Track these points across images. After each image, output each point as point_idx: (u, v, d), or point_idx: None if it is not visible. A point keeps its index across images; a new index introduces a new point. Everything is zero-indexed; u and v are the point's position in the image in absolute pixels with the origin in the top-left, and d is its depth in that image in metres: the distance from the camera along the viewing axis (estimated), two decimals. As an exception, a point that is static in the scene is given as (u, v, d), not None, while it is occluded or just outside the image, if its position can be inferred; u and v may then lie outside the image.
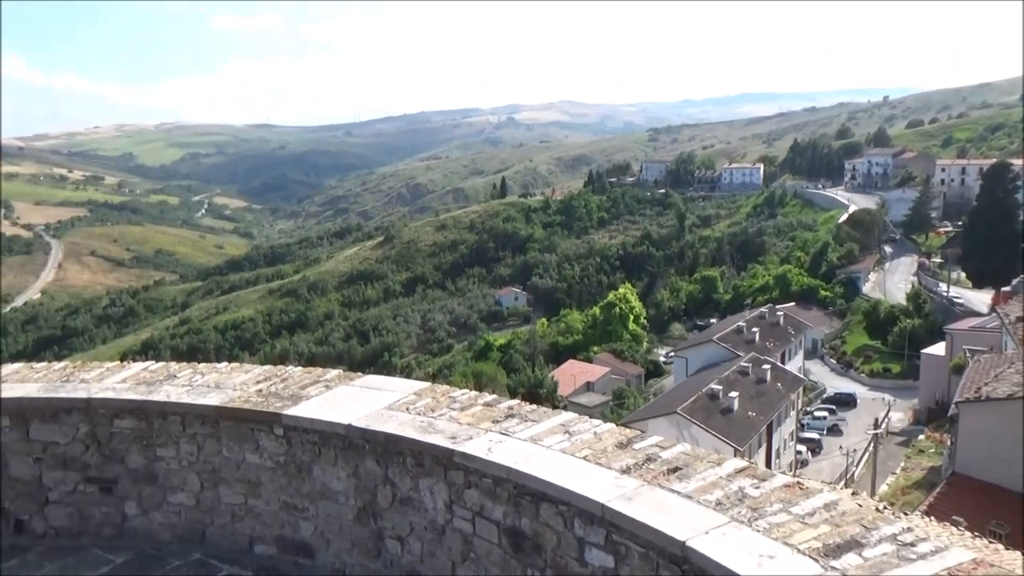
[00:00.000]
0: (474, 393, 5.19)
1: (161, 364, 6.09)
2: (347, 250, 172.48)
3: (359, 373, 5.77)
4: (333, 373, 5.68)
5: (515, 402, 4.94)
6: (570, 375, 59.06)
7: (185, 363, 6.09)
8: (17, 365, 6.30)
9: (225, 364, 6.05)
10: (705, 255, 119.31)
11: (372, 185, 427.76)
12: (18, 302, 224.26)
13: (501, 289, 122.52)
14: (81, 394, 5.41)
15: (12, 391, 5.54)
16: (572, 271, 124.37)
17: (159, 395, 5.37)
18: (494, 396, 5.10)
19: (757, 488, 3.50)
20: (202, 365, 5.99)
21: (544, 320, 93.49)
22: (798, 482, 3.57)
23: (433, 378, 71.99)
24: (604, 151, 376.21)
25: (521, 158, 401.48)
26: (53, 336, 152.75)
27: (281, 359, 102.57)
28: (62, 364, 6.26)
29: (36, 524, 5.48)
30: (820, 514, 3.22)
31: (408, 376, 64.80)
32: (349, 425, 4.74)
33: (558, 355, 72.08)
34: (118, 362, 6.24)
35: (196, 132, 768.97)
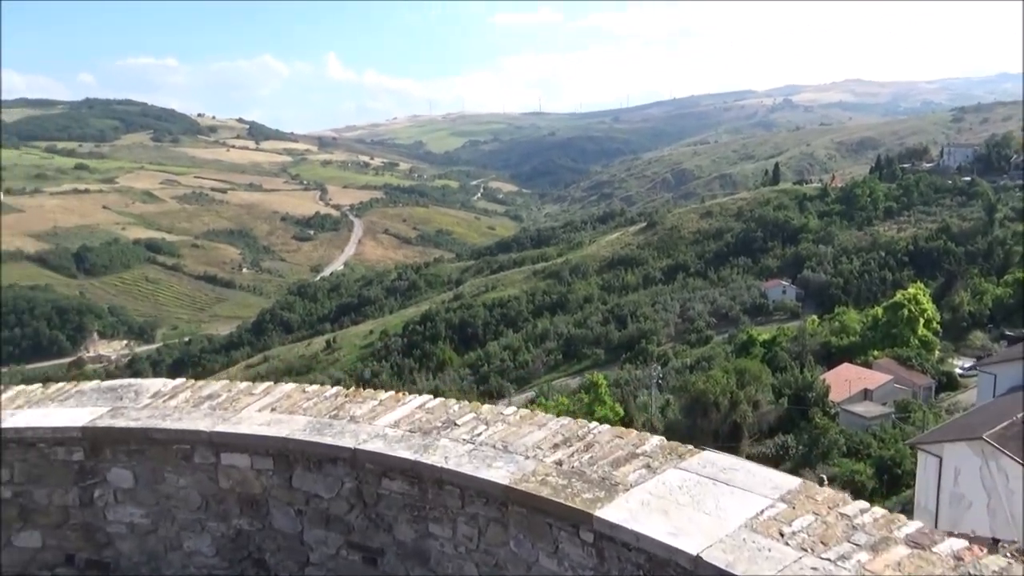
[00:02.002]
0: (880, 513, 3.51)
1: (439, 402, 5.38)
2: (609, 235, 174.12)
3: (686, 447, 4.44)
4: (653, 443, 4.47)
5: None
6: (844, 380, 53.84)
7: (466, 403, 5.32)
8: (289, 387, 5.86)
9: (513, 411, 5.13)
10: (1019, 254, 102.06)
11: (637, 171, 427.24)
12: (326, 272, 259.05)
13: (767, 281, 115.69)
14: (348, 442, 4.86)
15: (279, 427, 5.12)
16: (850, 265, 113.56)
17: (435, 456, 4.58)
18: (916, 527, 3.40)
19: None
20: (486, 409, 5.19)
21: (815, 317, 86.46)
22: None
23: (691, 369, 70.04)
24: (895, 134, 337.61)
25: (797, 142, 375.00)
26: (351, 303, 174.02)
27: (541, 338, 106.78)
28: (334, 391, 5.74)
29: None
30: None
31: (664, 365, 63.21)
32: (698, 558, 3.32)
33: (830, 356, 66.13)
34: (392, 393, 5.59)
35: (476, 121, 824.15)
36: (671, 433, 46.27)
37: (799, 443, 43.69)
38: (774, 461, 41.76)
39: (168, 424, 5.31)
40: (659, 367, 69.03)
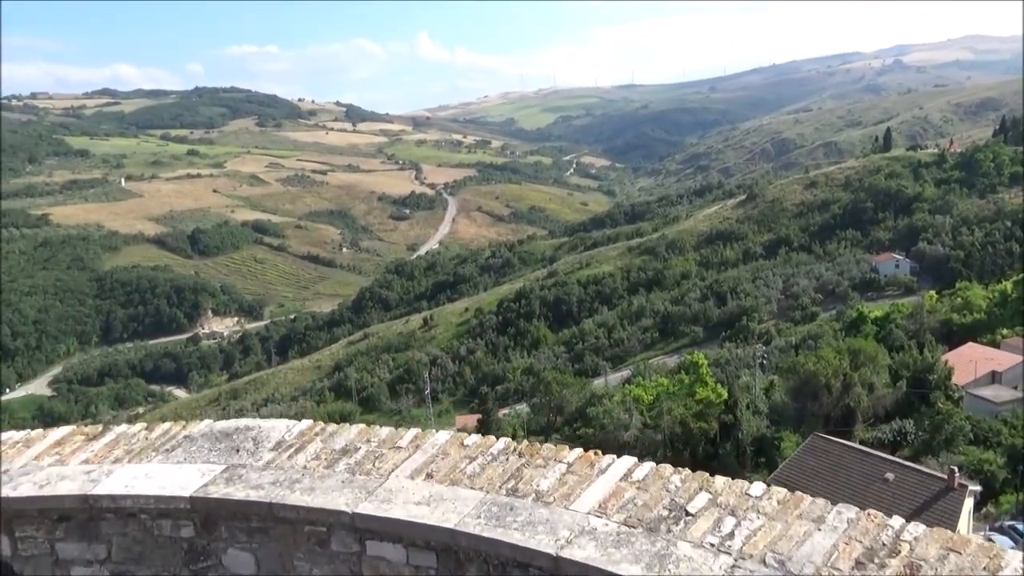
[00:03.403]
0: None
1: (650, 470, 4.03)
2: (706, 209, 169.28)
3: None
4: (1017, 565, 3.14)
5: None
6: (969, 361, 50.22)
7: (686, 473, 3.96)
8: (444, 438, 4.77)
9: (761, 490, 3.75)
10: None
11: (734, 141, 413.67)
12: (422, 250, 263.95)
13: (879, 255, 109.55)
14: (544, 543, 3.60)
15: (441, 508, 3.99)
16: (972, 237, 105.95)
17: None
18: None
19: None
20: (720, 484, 3.82)
21: (933, 293, 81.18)
22: None
23: (796, 349, 67.10)
24: (1020, 93, 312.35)
25: (909, 106, 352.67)
26: (447, 281, 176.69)
27: (637, 316, 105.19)
28: (501, 445, 4.64)
29: None
30: None
31: (767, 344, 60.75)
32: None
33: (950, 335, 61.93)
34: (580, 453, 4.32)
35: (568, 96, 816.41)
36: (778, 417, 44.53)
37: (919, 429, 41.13)
38: (891, 447, 39.47)
39: (298, 498, 4.29)
40: (762, 346, 66.61)
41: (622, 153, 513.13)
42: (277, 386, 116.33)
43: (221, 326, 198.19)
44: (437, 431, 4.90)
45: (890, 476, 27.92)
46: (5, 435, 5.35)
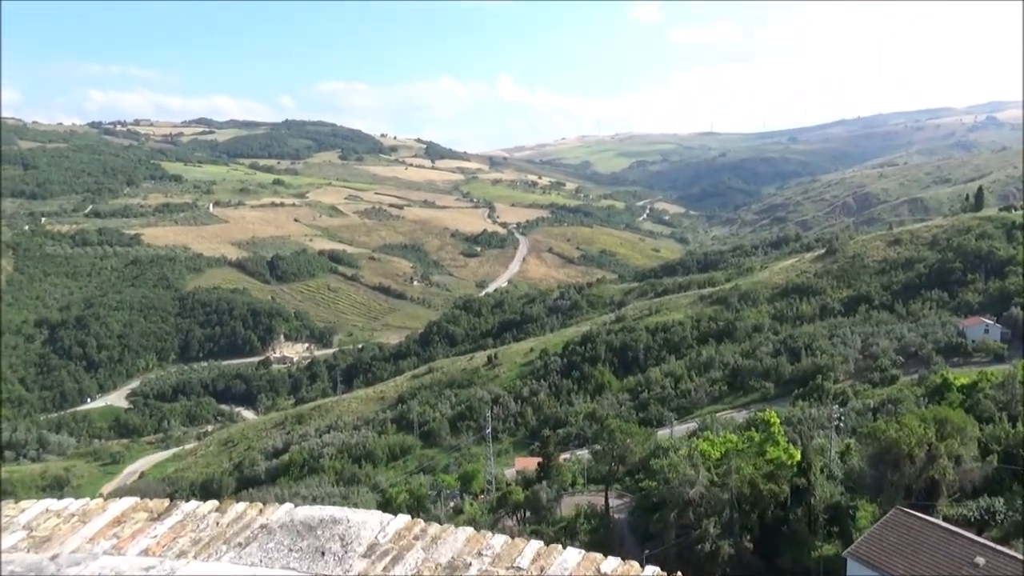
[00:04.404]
0: None
1: None
2: (783, 261, 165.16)
3: None
4: None
5: None
6: (1065, 438, 46.69)
7: None
8: (574, 558, 4.11)
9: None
10: None
11: (814, 194, 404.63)
12: (491, 288, 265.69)
13: (966, 319, 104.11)
14: None
15: None
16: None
17: None
18: None
19: None
20: None
21: (1026, 362, 76.43)
22: None
23: (874, 413, 63.95)
24: None
25: (1002, 164, 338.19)
26: (513, 320, 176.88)
27: (705, 367, 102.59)
28: (648, 571, 4.04)
29: None
30: None
31: (843, 405, 58.06)
32: None
33: (1046, 409, 57.92)
34: None
35: (645, 141, 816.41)
36: (854, 484, 42.22)
37: (1010, 508, 38.31)
38: (978, 527, 36.84)
39: None
40: (838, 407, 63.65)
41: (697, 200, 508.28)
42: (341, 414, 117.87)
43: (292, 351, 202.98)
44: (565, 548, 4.21)
45: (980, 561, 25.89)
46: (62, 503, 4.88)
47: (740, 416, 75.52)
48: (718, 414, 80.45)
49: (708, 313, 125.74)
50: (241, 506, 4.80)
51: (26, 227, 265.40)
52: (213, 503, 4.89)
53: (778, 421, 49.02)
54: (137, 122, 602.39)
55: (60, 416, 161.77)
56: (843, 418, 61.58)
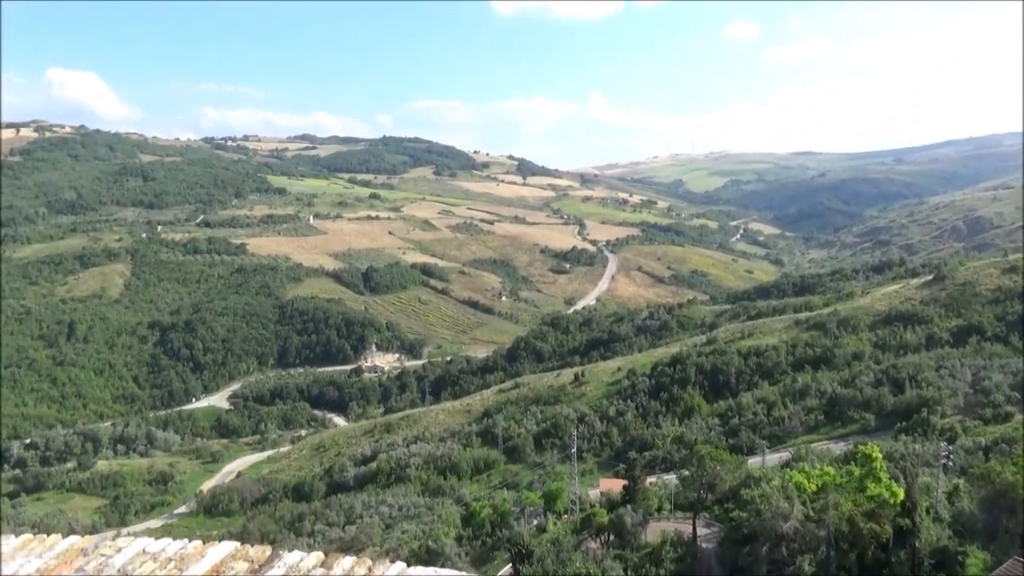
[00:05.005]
0: None
1: None
2: (885, 287, 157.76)
3: None
4: None
5: None
6: None
7: None
8: None
9: None
10: None
11: (921, 217, 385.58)
12: (579, 305, 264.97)
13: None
14: None
15: None
16: None
17: None
18: None
19: None
20: None
21: None
22: None
23: (986, 452, 60.13)
24: None
25: None
26: (601, 338, 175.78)
27: (801, 394, 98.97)
28: None
29: None
30: None
31: (951, 442, 54.97)
32: None
33: None
34: None
35: (740, 160, 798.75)
36: (963, 528, 39.86)
37: None
38: (1104, 583, 34.02)
39: None
40: (945, 444, 60.22)
41: (793, 222, 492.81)
42: (427, 425, 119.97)
43: (383, 361, 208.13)
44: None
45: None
46: (159, 545, 4.78)
47: (837, 448, 72.47)
48: (813, 445, 77.49)
49: (804, 338, 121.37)
50: (348, 562, 4.44)
51: (144, 235, 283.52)
52: (317, 556, 4.55)
53: (880, 456, 46.84)
54: (246, 137, 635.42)
55: (167, 414, 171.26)
56: (951, 456, 58.20)
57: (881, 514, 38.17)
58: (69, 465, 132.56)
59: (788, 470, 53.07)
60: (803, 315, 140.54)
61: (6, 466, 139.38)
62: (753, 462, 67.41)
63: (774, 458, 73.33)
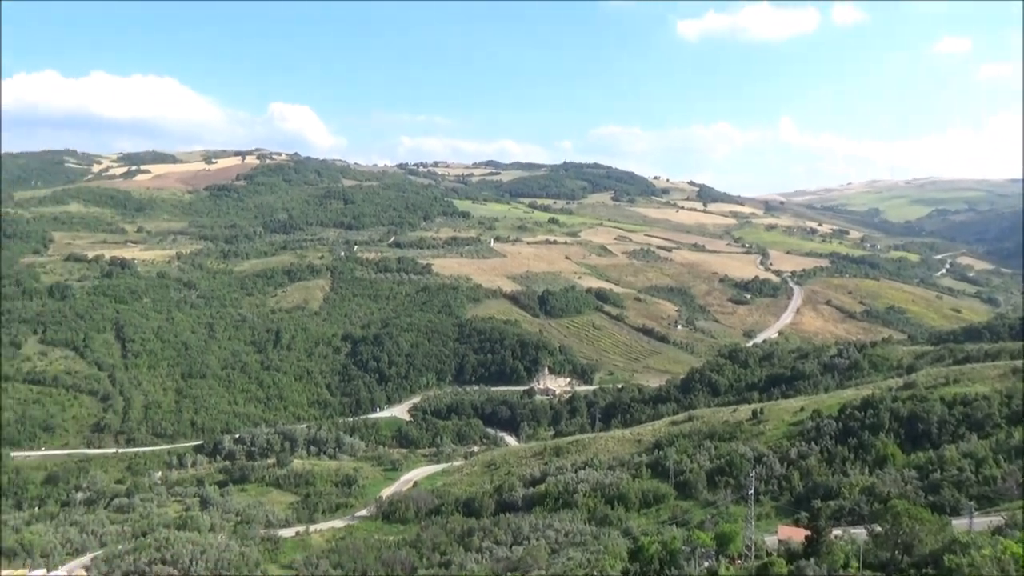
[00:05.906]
0: None
1: None
2: None
3: None
4: None
5: None
6: None
7: None
8: None
9: None
10: None
11: None
12: (759, 338, 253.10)
13: None
14: None
15: None
16: None
17: None
18: None
19: None
20: None
21: None
22: None
23: None
24: None
25: None
26: (782, 375, 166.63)
27: (1018, 452, 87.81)
28: None
29: None
30: None
31: None
32: None
33: None
34: None
35: (947, 188, 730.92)
36: None
37: None
38: None
39: None
40: None
41: (1010, 256, 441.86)
42: (596, 452, 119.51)
43: (554, 384, 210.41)
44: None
45: None
46: None
47: (1064, 518, 63.56)
48: (1033, 511, 68.46)
49: (1022, 389, 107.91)
50: None
51: (342, 253, 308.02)
52: None
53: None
54: (436, 164, 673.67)
55: (354, 420, 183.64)
56: None
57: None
58: (270, 461, 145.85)
59: (1002, 538, 47.37)
60: (1021, 362, 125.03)
61: (218, 456, 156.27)
62: (958, 524, 60.81)
63: (983, 522, 65.64)
